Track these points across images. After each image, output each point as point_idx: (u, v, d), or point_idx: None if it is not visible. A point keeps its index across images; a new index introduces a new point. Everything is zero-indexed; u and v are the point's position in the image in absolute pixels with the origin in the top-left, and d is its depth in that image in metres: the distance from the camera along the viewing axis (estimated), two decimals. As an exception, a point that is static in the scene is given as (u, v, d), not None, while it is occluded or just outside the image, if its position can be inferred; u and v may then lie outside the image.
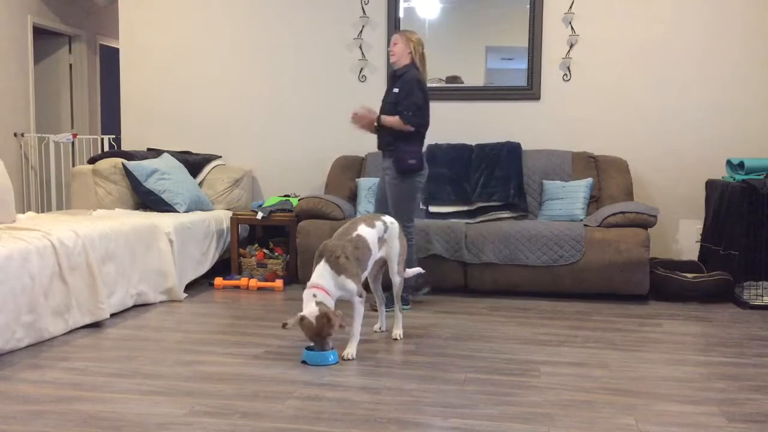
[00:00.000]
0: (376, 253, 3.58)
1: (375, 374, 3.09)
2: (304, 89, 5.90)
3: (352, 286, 3.35)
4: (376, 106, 5.73)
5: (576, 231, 4.63)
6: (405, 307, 4.27)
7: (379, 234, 3.60)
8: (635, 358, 3.37)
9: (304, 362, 3.25)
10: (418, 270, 3.93)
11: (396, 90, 4.25)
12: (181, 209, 5.14)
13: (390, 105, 4.26)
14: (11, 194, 4.12)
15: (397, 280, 3.68)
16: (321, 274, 3.31)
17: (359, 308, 3.40)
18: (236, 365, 3.20)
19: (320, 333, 3.21)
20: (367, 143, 5.72)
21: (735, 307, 4.53)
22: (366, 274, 3.55)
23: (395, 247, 3.67)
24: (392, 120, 4.22)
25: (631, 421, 2.57)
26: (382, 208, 4.44)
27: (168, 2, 6.08)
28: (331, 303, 3.26)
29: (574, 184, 5.11)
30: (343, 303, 3.43)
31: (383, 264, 3.74)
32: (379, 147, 4.40)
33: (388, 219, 3.71)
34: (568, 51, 5.51)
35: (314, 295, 3.25)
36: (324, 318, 3.18)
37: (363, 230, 3.52)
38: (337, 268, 3.32)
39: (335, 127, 5.83)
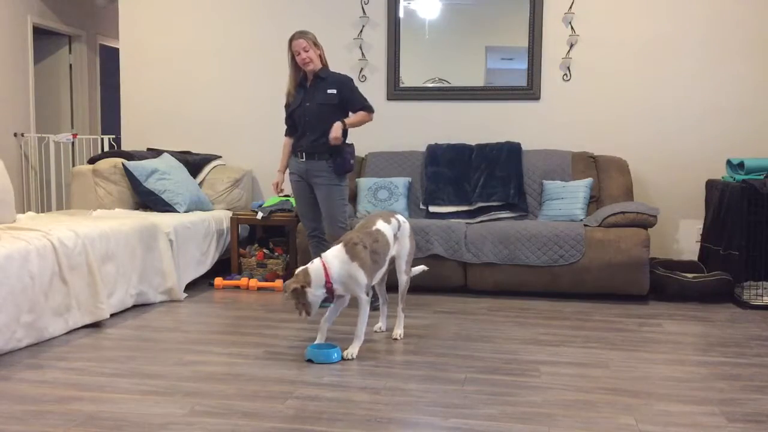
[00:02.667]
0: (392, 250, 3.62)
1: (375, 374, 3.09)
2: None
3: (362, 277, 3.34)
4: (374, 105, 5.75)
5: (576, 231, 4.63)
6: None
7: (393, 231, 3.63)
8: (635, 358, 3.37)
9: (309, 360, 3.25)
10: (422, 268, 3.93)
11: (333, 91, 4.17)
12: (181, 209, 5.14)
13: (329, 106, 4.17)
14: (11, 194, 4.12)
15: (403, 279, 3.69)
16: (333, 254, 3.34)
17: (365, 308, 3.39)
18: (236, 365, 3.20)
19: (286, 289, 3.25)
20: (366, 143, 5.72)
21: (735, 307, 4.52)
22: (383, 271, 3.58)
23: (406, 246, 3.70)
24: (359, 117, 4.21)
25: (631, 421, 2.57)
26: (310, 215, 4.37)
27: (168, 2, 6.08)
28: (320, 277, 3.25)
29: (574, 184, 5.11)
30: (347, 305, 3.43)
31: (391, 262, 3.74)
32: (309, 152, 4.23)
33: (401, 217, 3.73)
34: (568, 51, 5.52)
35: (312, 262, 3.31)
36: (293, 277, 3.26)
37: (381, 225, 3.56)
38: (352, 254, 3.32)
39: (335, 127, 5.83)
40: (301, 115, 4.24)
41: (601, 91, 5.51)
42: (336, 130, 4.09)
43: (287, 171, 4.44)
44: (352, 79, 4.29)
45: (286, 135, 4.43)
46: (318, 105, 4.18)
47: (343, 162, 4.21)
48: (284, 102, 4.38)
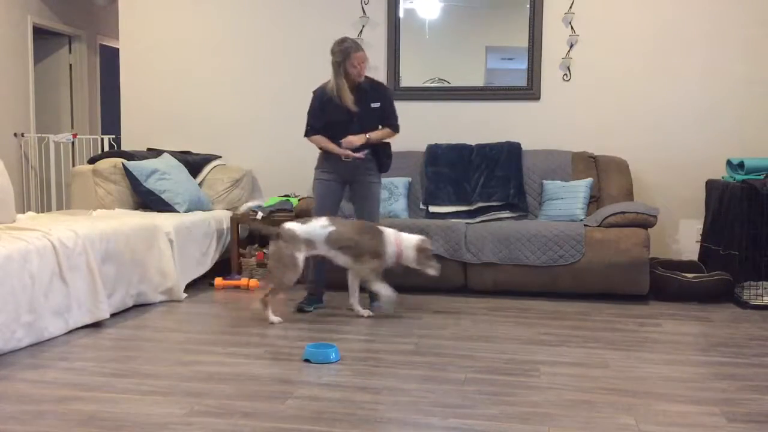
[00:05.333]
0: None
1: (375, 374, 3.09)
2: (304, 89, 5.87)
3: None
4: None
5: (576, 231, 4.63)
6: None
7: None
8: (635, 358, 3.37)
9: (306, 360, 3.26)
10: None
11: (377, 105, 4.25)
12: (181, 209, 5.14)
13: (376, 119, 4.27)
14: (11, 194, 4.12)
15: None
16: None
17: None
18: (236, 365, 3.20)
19: None
20: (367, 143, 5.71)
21: (735, 307, 4.52)
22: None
23: None
24: (383, 134, 4.30)
25: (631, 421, 2.57)
26: (332, 212, 4.34)
27: (168, 2, 6.08)
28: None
29: (574, 184, 5.11)
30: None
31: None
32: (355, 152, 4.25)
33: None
34: (568, 51, 5.52)
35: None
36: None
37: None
38: None
39: (335, 127, 5.83)
40: (345, 127, 4.23)
41: (601, 91, 5.51)
42: (353, 141, 4.17)
43: (319, 171, 4.37)
44: (390, 90, 4.38)
45: (313, 134, 4.32)
46: (363, 118, 4.23)
47: (388, 161, 4.36)
48: (311, 100, 4.32)
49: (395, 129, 4.35)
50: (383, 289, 4.05)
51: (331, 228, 4.02)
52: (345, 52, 4.12)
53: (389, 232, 4.09)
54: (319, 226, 4.03)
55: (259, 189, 6.04)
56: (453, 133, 5.63)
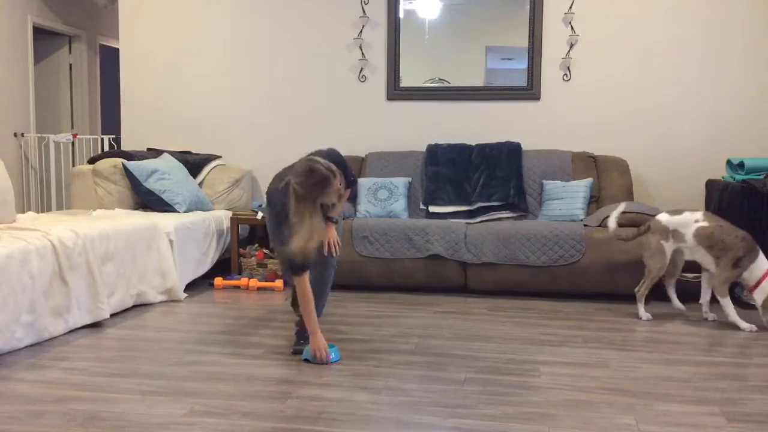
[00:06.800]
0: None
1: (375, 374, 3.09)
2: (303, 89, 5.90)
3: None
4: (374, 105, 5.68)
5: (576, 231, 4.63)
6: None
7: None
8: (635, 358, 3.37)
9: (306, 360, 3.25)
10: None
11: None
12: (181, 209, 5.14)
13: None
14: (11, 194, 4.12)
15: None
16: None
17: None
18: (236, 365, 3.20)
19: None
20: (367, 143, 5.72)
21: (735, 307, 4.51)
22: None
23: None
24: (343, 202, 3.56)
25: (631, 421, 2.57)
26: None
27: (168, 2, 6.08)
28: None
29: (574, 184, 5.11)
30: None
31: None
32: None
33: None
34: (568, 51, 5.52)
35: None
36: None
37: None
38: None
39: (335, 127, 5.83)
40: None
41: (601, 91, 5.51)
42: (332, 236, 3.47)
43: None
44: (339, 154, 3.38)
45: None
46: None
47: (355, 195, 3.94)
48: (273, 215, 3.32)
49: (352, 185, 3.52)
50: (728, 307, 3.99)
51: (703, 223, 4.02)
52: (317, 189, 3.06)
53: (764, 258, 3.94)
54: (692, 219, 4.06)
55: (259, 189, 6.04)
56: (453, 133, 5.64)
